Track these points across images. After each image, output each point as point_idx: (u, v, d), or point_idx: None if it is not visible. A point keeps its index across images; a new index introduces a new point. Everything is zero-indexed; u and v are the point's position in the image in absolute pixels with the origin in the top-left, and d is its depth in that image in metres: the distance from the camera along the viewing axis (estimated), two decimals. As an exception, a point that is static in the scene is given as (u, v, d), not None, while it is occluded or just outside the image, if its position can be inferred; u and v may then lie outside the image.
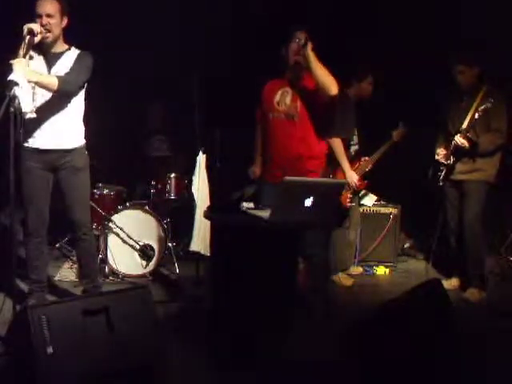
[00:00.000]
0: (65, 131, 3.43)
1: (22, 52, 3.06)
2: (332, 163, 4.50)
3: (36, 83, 3.19)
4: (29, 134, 3.36)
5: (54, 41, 3.36)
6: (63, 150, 3.43)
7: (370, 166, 4.68)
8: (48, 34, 3.27)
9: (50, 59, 3.37)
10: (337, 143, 4.41)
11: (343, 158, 4.44)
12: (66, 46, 3.44)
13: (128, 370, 2.62)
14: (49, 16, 3.25)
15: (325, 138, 3.72)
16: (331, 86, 3.40)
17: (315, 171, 3.60)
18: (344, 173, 4.45)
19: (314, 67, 3.39)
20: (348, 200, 4.55)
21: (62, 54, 3.41)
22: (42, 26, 3.21)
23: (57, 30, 3.32)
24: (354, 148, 4.67)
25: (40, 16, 3.23)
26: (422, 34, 5.08)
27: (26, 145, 3.38)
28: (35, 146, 3.39)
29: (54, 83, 3.22)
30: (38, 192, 3.44)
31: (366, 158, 4.71)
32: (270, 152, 3.69)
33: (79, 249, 3.62)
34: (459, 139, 4.05)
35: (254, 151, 3.95)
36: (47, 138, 3.39)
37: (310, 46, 3.38)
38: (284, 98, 3.61)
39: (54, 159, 3.43)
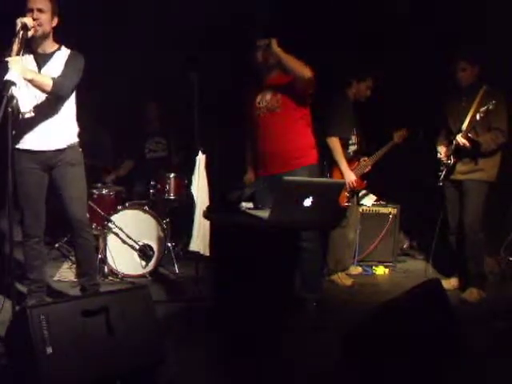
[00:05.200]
0: (57, 132, 3.41)
1: (16, 48, 3.04)
2: (329, 162, 4.51)
3: (30, 81, 3.16)
4: (21, 135, 3.35)
5: (44, 38, 3.32)
6: (56, 150, 3.42)
7: (369, 167, 4.68)
8: (38, 28, 3.22)
9: (40, 59, 3.35)
10: (334, 142, 4.43)
11: (341, 157, 4.45)
12: (56, 46, 3.41)
13: (127, 370, 2.62)
14: (40, 11, 3.21)
15: (309, 133, 3.75)
16: (304, 70, 3.48)
17: (299, 158, 3.63)
18: (341, 172, 4.47)
19: (283, 59, 3.50)
20: (346, 200, 4.55)
21: (52, 54, 3.38)
22: (35, 21, 3.17)
23: (47, 27, 3.28)
24: (352, 148, 4.67)
25: (31, 10, 3.19)
26: (422, 33, 5.09)
27: (18, 146, 3.36)
28: (27, 147, 3.37)
29: (48, 84, 3.21)
30: (34, 192, 3.43)
31: (366, 159, 4.71)
32: (258, 148, 3.78)
33: (77, 246, 3.60)
34: (461, 139, 4.05)
35: (246, 162, 4.01)
36: (39, 139, 3.38)
37: (274, 43, 3.49)
38: (264, 97, 3.71)
39: (47, 159, 3.42)
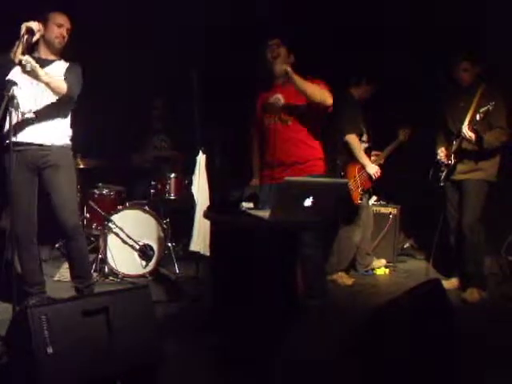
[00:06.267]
0: (46, 128, 3.42)
1: (20, 51, 3.07)
2: (343, 161, 4.56)
3: (47, 84, 3.26)
4: (12, 131, 3.34)
5: (55, 50, 3.45)
6: (42, 145, 3.41)
7: (382, 160, 4.74)
8: (61, 42, 3.43)
9: (39, 63, 3.35)
10: (353, 139, 4.53)
11: (361, 152, 4.56)
12: (58, 57, 3.52)
13: (128, 370, 2.62)
14: (67, 30, 3.43)
15: (319, 145, 3.74)
16: (325, 98, 3.49)
17: (306, 168, 3.61)
18: (356, 167, 4.59)
19: (302, 88, 3.46)
20: (359, 197, 4.61)
21: (52, 61, 3.47)
22: (61, 35, 3.40)
23: (64, 44, 3.48)
24: (364, 145, 4.71)
25: (61, 26, 3.40)
26: (422, 34, 5.10)
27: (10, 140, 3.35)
28: (16, 139, 3.32)
29: (63, 87, 3.33)
30: (23, 194, 3.42)
31: (378, 153, 4.77)
32: (268, 158, 3.75)
33: (71, 249, 3.59)
34: (467, 131, 4.01)
35: (252, 165, 3.96)
36: (28, 132, 3.38)
37: (291, 72, 3.44)
38: (276, 103, 3.67)
39: (34, 157, 3.41)
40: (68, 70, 3.47)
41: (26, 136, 3.38)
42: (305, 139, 3.64)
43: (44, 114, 3.40)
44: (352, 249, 4.73)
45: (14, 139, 3.32)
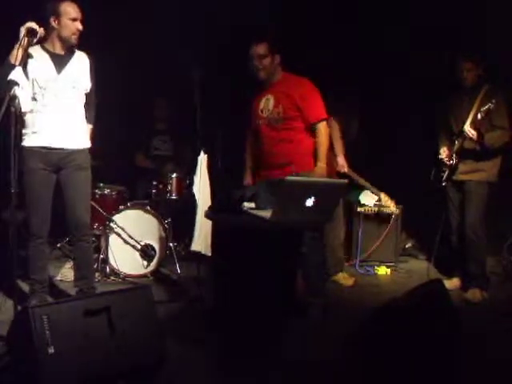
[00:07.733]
0: (75, 131, 3.47)
1: (20, 54, 3.06)
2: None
3: None
4: (37, 133, 3.37)
5: (68, 45, 3.40)
6: (71, 149, 3.46)
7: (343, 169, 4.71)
8: (78, 37, 3.38)
9: (57, 61, 3.39)
10: (333, 124, 4.50)
11: (338, 141, 4.60)
12: (72, 48, 3.48)
13: (129, 369, 2.62)
14: (81, 21, 3.37)
15: (309, 141, 3.78)
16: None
17: (298, 165, 3.65)
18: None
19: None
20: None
21: (69, 56, 3.44)
22: (77, 30, 3.35)
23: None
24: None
25: (75, 20, 3.33)
26: (422, 34, 5.10)
27: (32, 144, 3.38)
28: (44, 144, 3.38)
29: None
30: (42, 193, 3.44)
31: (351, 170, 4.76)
32: (261, 158, 3.84)
33: (79, 249, 3.61)
34: (470, 130, 4.00)
35: (243, 164, 4.03)
36: (57, 136, 3.40)
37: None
38: (267, 105, 3.75)
39: (60, 158, 3.44)
40: (91, 74, 3.53)
41: (56, 141, 3.40)
42: (295, 137, 3.70)
43: (64, 114, 3.42)
44: (341, 246, 4.75)
45: (41, 144, 3.38)
